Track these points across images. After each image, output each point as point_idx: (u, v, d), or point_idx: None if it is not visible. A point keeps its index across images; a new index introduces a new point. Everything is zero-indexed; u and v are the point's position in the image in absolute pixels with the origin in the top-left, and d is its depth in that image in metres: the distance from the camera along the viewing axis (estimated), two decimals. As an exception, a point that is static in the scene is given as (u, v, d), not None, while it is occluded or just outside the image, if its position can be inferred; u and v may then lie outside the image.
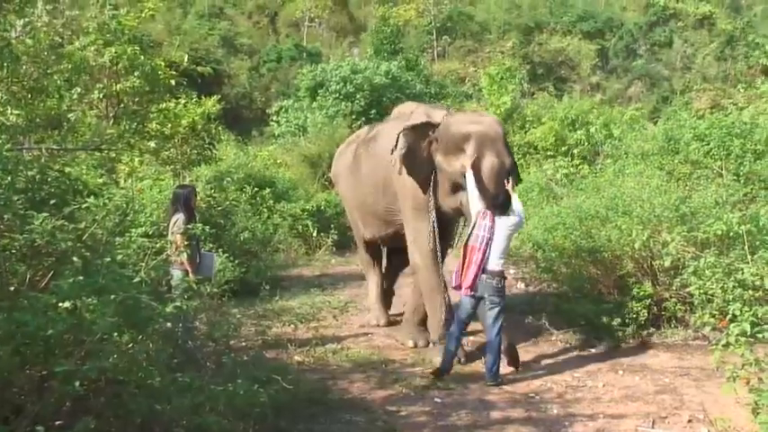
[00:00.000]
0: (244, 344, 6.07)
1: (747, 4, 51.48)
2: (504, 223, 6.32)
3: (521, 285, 10.24)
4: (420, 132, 7.08)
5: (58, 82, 7.71)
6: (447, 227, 7.47)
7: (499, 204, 6.36)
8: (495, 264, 6.27)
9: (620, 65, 44.70)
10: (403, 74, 27.51)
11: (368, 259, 9.02)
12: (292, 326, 6.31)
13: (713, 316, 4.37)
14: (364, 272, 9.26)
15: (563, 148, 16.65)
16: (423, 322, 7.57)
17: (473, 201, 6.44)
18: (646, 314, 7.32)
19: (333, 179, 9.47)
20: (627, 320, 7.27)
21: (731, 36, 42.48)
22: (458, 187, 6.86)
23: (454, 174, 6.81)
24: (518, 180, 7.32)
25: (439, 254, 7.16)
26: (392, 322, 8.54)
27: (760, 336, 4.02)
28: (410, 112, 7.68)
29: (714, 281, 4.58)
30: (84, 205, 4.59)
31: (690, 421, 5.26)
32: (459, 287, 6.38)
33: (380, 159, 7.63)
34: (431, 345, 7.26)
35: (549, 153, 15.60)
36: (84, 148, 7.80)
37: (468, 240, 6.34)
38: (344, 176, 8.77)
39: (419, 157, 7.05)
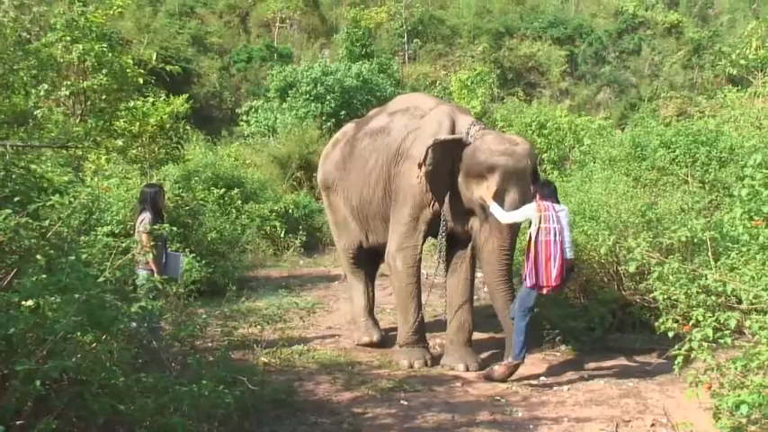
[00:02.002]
0: (209, 344, 6.02)
1: (715, 14, 52.22)
2: (563, 211, 6.24)
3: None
4: (449, 149, 6.62)
5: (25, 78, 7.61)
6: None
7: (553, 192, 6.33)
8: (570, 253, 6.19)
9: (589, 71, 45.00)
10: (373, 76, 27.50)
11: (356, 269, 8.16)
12: (259, 327, 6.26)
13: (676, 321, 4.41)
14: (349, 282, 8.39)
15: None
16: (469, 342, 7.10)
17: (514, 212, 6.24)
18: (611, 318, 7.40)
19: (321, 184, 8.43)
20: (592, 325, 7.33)
21: (698, 45, 43.05)
22: (470, 212, 6.67)
23: (470, 201, 6.59)
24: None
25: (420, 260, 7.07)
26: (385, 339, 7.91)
27: (722, 341, 4.07)
28: (429, 108, 7.28)
29: (678, 286, 4.64)
30: (48, 203, 4.53)
31: (653, 425, 5.32)
32: (537, 287, 6.10)
33: (390, 152, 7.21)
34: (474, 366, 6.85)
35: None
36: (50, 145, 7.70)
37: (536, 237, 6.05)
38: (338, 178, 7.96)
39: (441, 172, 6.63)
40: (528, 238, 6.18)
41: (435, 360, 7.01)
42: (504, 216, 6.25)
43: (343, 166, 7.88)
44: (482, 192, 6.39)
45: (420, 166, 6.57)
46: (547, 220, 6.06)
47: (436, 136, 6.68)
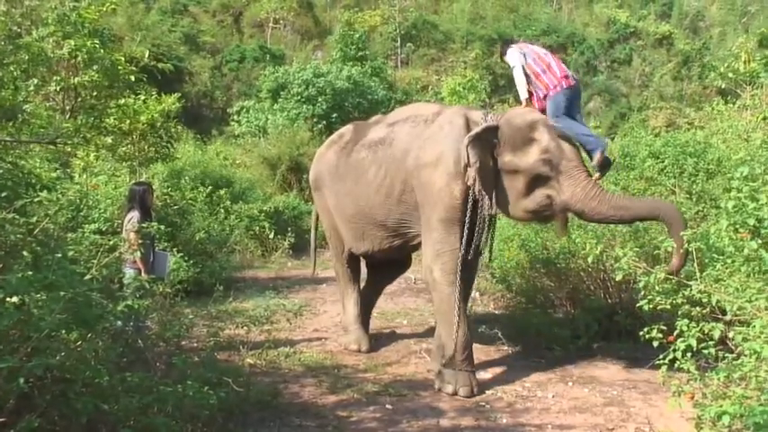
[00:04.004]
0: (195, 345, 6.02)
1: (706, 26, 52.60)
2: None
3: (475, 294, 10.28)
4: (485, 140, 6.26)
5: (15, 73, 7.58)
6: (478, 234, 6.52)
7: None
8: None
9: (581, 80, 45.22)
10: (365, 79, 27.54)
11: (349, 274, 7.94)
12: (245, 328, 6.25)
13: (661, 331, 4.43)
14: (341, 288, 8.12)
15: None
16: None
17: (514, 71, 6.52)
18: (596, 326, 7.42)
19: (312, 184, 8.13)
20: (578, 332, 7.36)
21: (688, 56, 43.31)
22: (537, 182, 6.15)
23: (532, 167, 6.11)
24: None
25: (459, 267, 6.37)
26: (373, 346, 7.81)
27: (705, 352, 4.10)
28: (432, 113, 6.92)
29: (663, 296, 4.65)
30: (36, 199, 4.51)
31: (635, 433, 5.35)
32: (552, 89, 6.28)
33: (398, 166, 6.84)
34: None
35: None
36: (38, 140, 7.67)
37: (527, 62, 6.45)
38: (329, 182, 7.66)
39: (486, 167, 6.24)
40: (521, 74, 6.48)
41: (482, 386, 6.47)
42: (516, 73, 6.53)
43: (335, 172, 7.58)
44: (538, 147, 6.14)
45: (466, 167, 6.22)
46: (526, 47, 6.63)
47: (449, 136, 6.52)
